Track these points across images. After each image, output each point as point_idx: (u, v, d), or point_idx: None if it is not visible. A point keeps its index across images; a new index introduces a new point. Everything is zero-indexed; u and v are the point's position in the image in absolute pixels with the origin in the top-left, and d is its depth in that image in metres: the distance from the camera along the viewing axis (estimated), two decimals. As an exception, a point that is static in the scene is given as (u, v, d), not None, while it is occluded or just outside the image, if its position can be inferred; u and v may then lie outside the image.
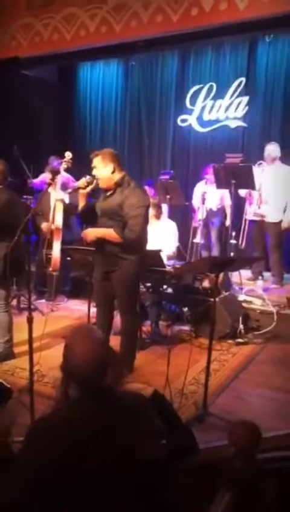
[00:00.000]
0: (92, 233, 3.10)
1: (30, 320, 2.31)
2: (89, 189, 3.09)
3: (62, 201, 4.76)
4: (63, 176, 5.02)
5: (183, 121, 6.60)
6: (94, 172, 3.03)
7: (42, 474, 1.22)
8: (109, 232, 2.99)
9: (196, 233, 5.44)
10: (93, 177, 3.04)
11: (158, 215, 4.34)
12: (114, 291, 3.14)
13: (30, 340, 2.39)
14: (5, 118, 6.78)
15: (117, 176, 3.03)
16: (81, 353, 1.38)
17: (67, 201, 4.82)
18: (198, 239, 5.41)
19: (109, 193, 3.07)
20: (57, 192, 4.77)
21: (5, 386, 2.70)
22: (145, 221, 3.04)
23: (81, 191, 3.11)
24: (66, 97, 7.54)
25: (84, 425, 1.29)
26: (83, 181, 3.07)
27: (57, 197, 4.75)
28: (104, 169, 3.00)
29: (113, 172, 3.01)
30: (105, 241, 3.03)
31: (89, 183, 3.06)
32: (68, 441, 1.25)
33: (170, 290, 4.35)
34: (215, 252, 5.61)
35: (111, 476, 1.24)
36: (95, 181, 3.04)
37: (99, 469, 1.24)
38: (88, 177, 3.05)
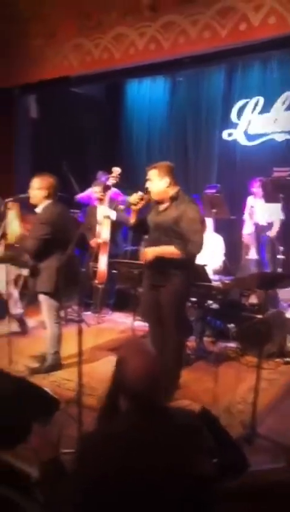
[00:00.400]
0: (151, 252, 3.01)
1: (80, 332, 2.34)
2: (140, 205, 3.07)
3: (109, 217, 4.85)
4: (113, 192, 5.12)
5: (229, 135, 6.57)
6: (148, 184, 3.02)
7: (91, 490, 1.22)
8: (169, 249, 2.94)
9: (248, 248, 5.37)
10: (146, 190, 3.02)
11: (203, 229, 4.31)
12: (162, 305, 3.11)
13: (80, 351, 2.42)
14: (54, 134, 7.01)
15: (172, 190, 3.01)
16: (134, 367, 1.37)
17: (114, 218, 4.90)
18: (251, 255, 5.32)
19: (162, 207, 3.05)
20: (105, 208, 4.86)
21: (52, 396, 2.73)
22: (203, 237, 3.01)
23: (133, 207, 3.09)
24: (114, 114, 7.70)
25: (132, 441, 1.28)
26: (135, 197, 3.05)
27: (104, 213, 4.84)
28: (159, 183, 2.98)
29: (168, 186, 2.99)
30: (160, 257, 2.98)
31: (141, 199, 3.04)
32: (116, 457, 1.24)
33: (215, 306, 4.29)
34: (268, 268, 5.49)
35: (158, 492, 1.23)
36: (146, 197, 3.03)
37: (147, 485, 1.22)
38: (140, 193, 3.03)
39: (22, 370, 3.55)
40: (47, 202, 3.47)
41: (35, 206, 3.51)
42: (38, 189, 3.46)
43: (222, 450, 1.59)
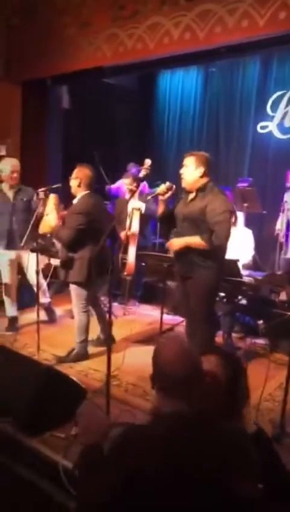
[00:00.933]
0: (177, 242, 3.01)
1: (110, 324, 2.33)
2: (168, 195, 3.05)
3: (139, 210, 4.83)
4: (143, 183, 5.09)
5: (263, 127, 6.43)
6: (182, 170, 3.00)
7: (125, 482, 1.20)
8: (194, 240, 2.92)
9: (285, 246, 5.24)
10: (171, 185, 3.00)
11: (234, 223, 4.23)
12: (191, 298, 3.08)
13: (108, 342, 2.41)
14: (86, 125, 7.03)
15: (203, 180, 2.98)
16: (169, 357, 1.37)
17: (143, 210, 4.88)
18: (289, 254, 5.20)
19: (190, 197, 3.03)
20: (135, 200, 4.84)
21: (80, 386, 2.75)
22: (229, 229, 2.96)
23: (160, 197, 3.08)
24: (146, 105, 7.65)
25: (169, 443, 1.25)
26: (162, 188, 3.04)
27: (134, 206, 4.82)
28: (194, 171, 2.96)
29: (201, 176, 2.96)
30: (187, 248, 2.97)
31: (168, 190, 3.03)
32: (152, 459, 1.22)
33: (244, 301, 4.22)
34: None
35: (188, 503, 1.20)
36: (174, 187, 3.01)
37: (178, 493, 1.19)
38: (167, 183, 3.03)
39: (50, 358, 3.59)
40: (84, 193, 3.50)
41: (74, 197, 3.55)
42: (74, 178, 3.51)
43: (271, 473, 1.55)
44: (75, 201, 3.53)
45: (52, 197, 3.54)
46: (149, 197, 3.12)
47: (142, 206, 4.89)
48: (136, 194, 4.71)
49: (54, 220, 3.47)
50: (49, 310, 4.58)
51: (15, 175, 4.15)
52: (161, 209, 3.16)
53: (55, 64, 5.63)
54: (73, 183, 3.50)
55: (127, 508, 1.21)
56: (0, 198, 4.17)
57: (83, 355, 3.62)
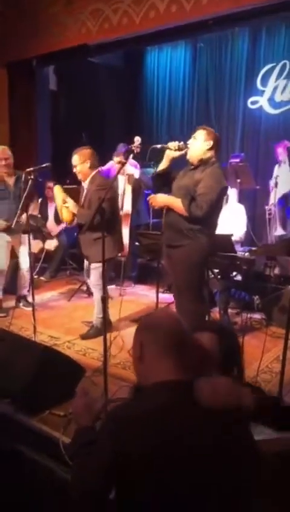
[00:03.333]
0: (160, 198, 2.99)
1: (104, 300, 2.32)
2: (177, 154, 2.98)
3: (132, 176, 4.77)
4: (130, 162, 5.02)
5: (253, 102, 6.35)
6: (190, 141, 2.95)
7: (120, 462, 1.18)
8: (176, 202, 2.88)
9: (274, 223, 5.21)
10: (185, 144, 2.95)
11: (226, 199, 4.20)
12: (176, 271, 3.01)
13: (104, 321, 2.41)
14: (74, 106, 6.92)
15: (208, 153, 2.93)
16: (157, 316, 1.42)
17: (137, 175, 4.83)
18: (278, 231, 5.17)
19: (190, 168, 2.98)
20: (127, 168, 4.78)
21: (78, 364, 2.75)
22: (217, 202, 2.92)
23: (168, 151, 2.99)
24: (133, 83, 7.52)
25: (165, 419, 1.21)
26: (174, 143, 2.97)
27: (128, 172, 4.77)
28: (203, 143, 2.92)
29: (208, 149, 2.92)
30: (174, 214, 2.92)
31: (180, 148, 2.96)
32: (147, 433, 1.19)
33: (239, 277, 4.23)
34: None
35: (189, 476, 1.18)
36: (185, 150, 2.95)
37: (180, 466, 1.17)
38: (182, 142, 2.97)
39: (46, 340, 3.59)
40: (93, 172, 3.50)
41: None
42: (82, 163, 3.46)
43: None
44: (86, 183, 3.52)
45: (57, 188, 3.53)
46: (158, 146, 3.04)
47: (136, 172, 4.84)
48: (126, 171, 4.66)
49: (74, 206, 3.45)
50: (24, 298, 4.51)
51: (3, 162, 4.08)
52: (164, 163, 3.06)
53: (40, 43, 5.51)
54: (84, 167, 3.47)
55: (122, 490, 1.19)
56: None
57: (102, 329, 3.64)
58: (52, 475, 2.02)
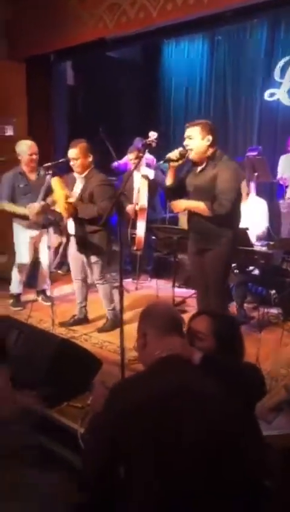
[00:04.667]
0: (182, 203, 2.97)
1: (121, 293, 2.35)
2: (181, 162, 2.95)
3: (146, 177, 4.77)
4: (147, 157, 5.02)
5: (271, 95, 6.29)
6: (187, 142, 2.87)
7: (122, 436, 1.22)
8: (198, 205, 2.87)
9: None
10: (184, 148, 2.89)
11: (247, 193, 4.18)
12: (208, 270, 3.02)
13: (121, 312, 2.43)
14: (91, 101, 6.93)
15: (212, 149, 2.89)
16: (156, 304, 1.62)
17: (152, 177, 4.83)
18: None
19: (200, 168, 2.95)
20: (143, 168, 4.78)
21: (95, 357, 2.78)
22: (238, 196, 2.91)
23: (172, 163, 2.96)
24: (151, 78, 7.50)
25: (167, 395, 1.26)
26: (175, 152, 2.90)
27: (142, 173, 4.77)
28: (201, 141, 2.83)
29: (210, 145, 2.86)
30: (201, 217, 2.91)
31: (182, 155, 2.90)
32: (148, 409, 1.24)
33: (256, 272, 4.20)
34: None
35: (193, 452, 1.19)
36: (187, 153, 2.89)
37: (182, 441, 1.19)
38: (181, 148, 2.90)
39: (65, 333, 3.64)
40: (92, 166, 3.53)
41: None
42: (85, 157, 3.48)
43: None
44: (83, 176, 3.54)
45: (56, 180, 3.48)
46: (161, 162, 3.03)
47: (151, 172, 4.83)
48: (142, 167, 4.65)
49: (77, 202, 3.45)
50: (44, 292, 4.57)
51: (34, 157, 4.11)
52: (170, 177, 3.03)
53: (58, 38, 5.52)
54: (85, 161, 3.48)
55: (126, 455, 1.22)
56: (22, 182, 4.14)
57: (118, 322, 3.66)
58: (70, 466, 2.05)
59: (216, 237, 2.91)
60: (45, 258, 4.21)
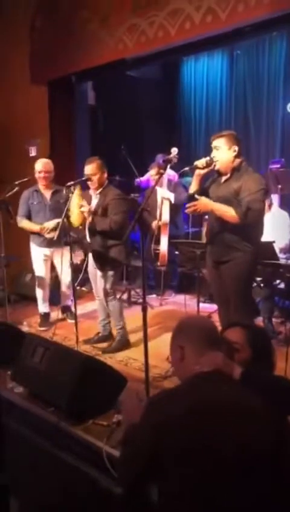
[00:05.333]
0: (207, 203, 2.88)
1: (144, 309, 2.33)
2: (206, 170, 2.96)
3: (168, 200, 4.81)
4: (169, 173, 5.04)
5: (293, 107, 6.24)
6: (214, 154, 2.90)
7: (156, 437, 1.23)
8: (226, 209, 2.80)
9: None
10: (212, 159, 2.91)
11: (269, 206, 4.14)
12: (226, 284, 3.00)
13: (145, 329, 2.41)
14: (112, 120, 7.04)
15: (238, 160, 2.90)
16: (191, 317, 1.65)
17: (172, 200, 4.86)
18: None
19: (224, 178, 2.94)
20: (164, 189, 4.81)
21: (120, 374, 2.76)
22: (263, 208, 2.88)
23: (197, 171, 2.98)
24: (171, 94, 7.58)
25: (207, 410, 1.26)
26: (202, 161, 2.92)
27: (163, 195, 4.80)
28: (228, 152, 2.86)
29: (236, 156, 2.88)
30: (222, 228, 2.90)
31: (208, 164, 2.92)
32: (189, 425, 1.23)
33: (282, 285, 4.12)
34: None
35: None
36: (214, 164, 2.91)
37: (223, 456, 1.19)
38: (208, 158, 2.92)
39: (89, 350, 3.63)
40: (106, 182, 3.60)
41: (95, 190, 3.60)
42: (102, 172, 3.56)
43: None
44: (99, 191, 3.60)
45: (76, 190, 3.54)
46: (186, 168, 3.04)
47: (171, 196, 4.86)
48: (164, 183, 4.67)
49: (89, 212, 3.50)
50: (68, 309, 4.56)
51: (42, 175, 4.22)
52: (195, 184, 3.04)
53: (79, 61, 5.66)
54: (102, 177, 3.56)
55: (163, 465, 1.21)
56: (36, 199, 4.25)
57: (125, 343, 3.65)
58: (95, 485, 2.03)
59: (235, 249, 2.88)
60: (65, 276, 4.25)
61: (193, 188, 3.07)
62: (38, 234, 4.24)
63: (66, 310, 4.59)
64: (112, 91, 6.95)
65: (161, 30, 4.84)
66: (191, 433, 1.21)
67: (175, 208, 4.95)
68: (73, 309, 4.18)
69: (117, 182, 4.99)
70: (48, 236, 4.16)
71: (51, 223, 4.15)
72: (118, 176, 5.26)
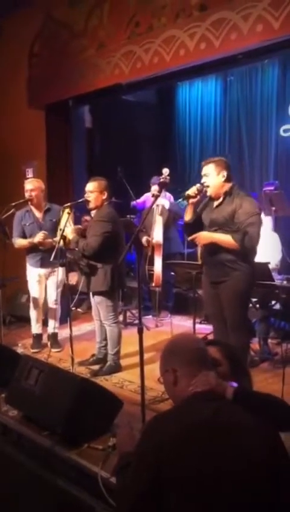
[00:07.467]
0: (207, 236, 2.95)
1: (140, 331, 2.32)
2: (198, 198, 3.01)
3: (163, 206, 4.83)
4: (165, 195, 5.11)
5: (286, 131, 6.38)
6: (204, 179, 2.97)
7: (159, 472, 1.22)
8: (225, 238, 2.87)
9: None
10: (202, 185, 2.97)
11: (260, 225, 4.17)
12: (223, 303, 3.02)
13: (141, 351, 2.40)
14: (109, 143, 7.15)
15: (228, 184, 2.96)
16: (179, 337, 1.69)
17: (167, 206, 4.89)
18: None
19: (217, 203, 3.00)
20: (159, 199, 4.85)
21: (115, 397, 2.73)
22: (259, 231, 2.92)
23: (191, 200, 3.02)
24: (166, 118, 7.72)
25: (205, 431, 1.28)
26: (193, 189, 2.99)
27: (158, 202, 4.83)
28: (217, 177, 2.93)
29: (225, 180, 2.94)
30: (216, 249, 2.93)
31: (199, 191, 2.98)
32: (188, 447, 1.24)
33: (278, 306, 4.13)
34: None
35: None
36: (204, 190, 2.97)
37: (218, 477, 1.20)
38: (198, 185, 2.98)
39: (85, 372, 3.60)
40: (105, 203, 3.59)
41: (89, 210, 3.62)
42: (100, 192, 3.55)
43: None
44: (94, 212, 3.60)
45: (65, 211, 3.54)
46: (179, 200, 3.09)
47: (166, 202, 4.89)
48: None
49: (70, 233, 3.49)
50: (54, 338, 4.40)
51: (28, 193, 4.22)
52: (189, 213, 3.09)
53: (76, 85, 5.77)
54: (99, 196, 3.54)
55: (164, 487, 1.21)
56: (29, 220, 4.27)
57: (116, 367, 3.62)
58: (90, 511, 1.99)
59: (232, 269, 2.91)
60: (51, 294, 4.26)
61: (187, 216, 3.12)
62: (33, 252, 4.23)
63: (51, 336, 4.42)
64: (108, 114, 7.07)
65: (156, 56, 4.97)
66: (189, 454, 1.22)
67: (170, 219, 4.97)
68: (60, 336, 4.17)
69: (113, 204, 5.03)
70: (40, 245, 4.13)
71: (40, 234, 4.11)
72: (114, 197, 5.30)
